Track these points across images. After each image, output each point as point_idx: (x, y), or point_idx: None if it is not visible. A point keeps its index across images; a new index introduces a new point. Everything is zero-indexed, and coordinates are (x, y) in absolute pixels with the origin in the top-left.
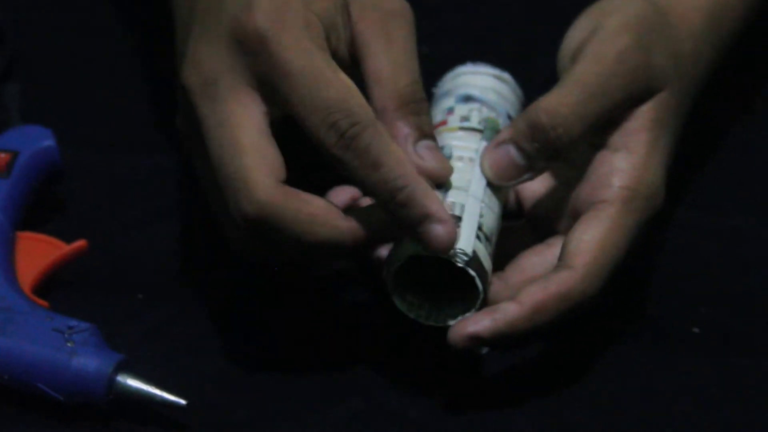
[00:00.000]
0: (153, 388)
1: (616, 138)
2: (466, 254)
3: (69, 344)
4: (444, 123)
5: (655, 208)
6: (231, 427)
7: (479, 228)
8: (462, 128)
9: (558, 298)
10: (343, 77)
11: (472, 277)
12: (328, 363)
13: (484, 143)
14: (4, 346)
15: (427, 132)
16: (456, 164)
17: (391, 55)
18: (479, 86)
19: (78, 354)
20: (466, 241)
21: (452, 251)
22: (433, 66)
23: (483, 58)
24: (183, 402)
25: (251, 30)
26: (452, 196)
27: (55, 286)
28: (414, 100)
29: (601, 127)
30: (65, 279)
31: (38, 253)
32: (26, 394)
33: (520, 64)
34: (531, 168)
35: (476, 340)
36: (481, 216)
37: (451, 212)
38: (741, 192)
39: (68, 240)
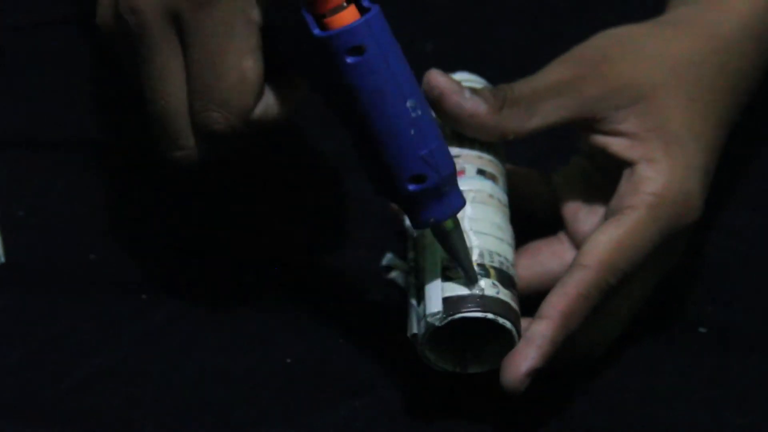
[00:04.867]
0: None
1: (636, 152)
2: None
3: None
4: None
5: (687, 217)
6: (233, 427)
7: (498, 267)
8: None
9: (579, 300)
10: (249, 65)
11: (500, 324)
12: (331, 361)
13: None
14: None
15: None
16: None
17: None
18: None
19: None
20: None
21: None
22: (439, 63)
23: (487, 54)
24: None
25: None
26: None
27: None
28: None
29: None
30: (68, 277)
31: None
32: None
33: (525, 59)
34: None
35: (533, 374)
36: (498, 255)
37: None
38: (747, 190)
39: (67, 237)
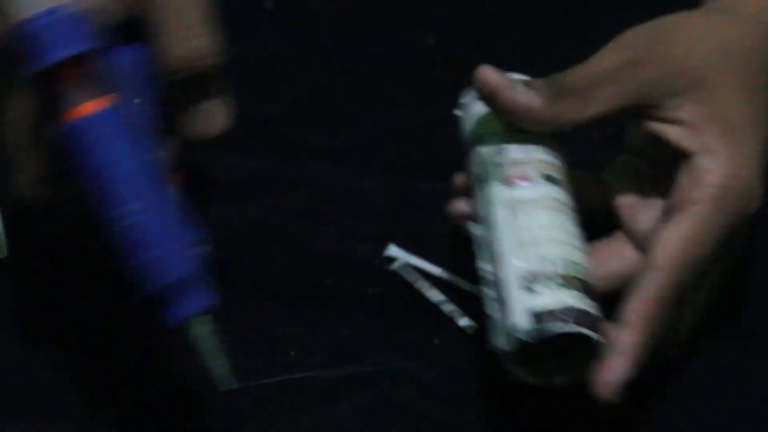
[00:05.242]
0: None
1: (694, 142)
2: (573, 316)
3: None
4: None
5: (751, 207)
6: (235, 420)
7: (581, 277)
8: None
9: (659, 304)
10: None
11: (597, 341)
12: (334, 357)
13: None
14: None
15: None
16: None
17: None
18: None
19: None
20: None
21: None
22: (441, 57)
23: (489, 48)
24: (233, 384)
25: None
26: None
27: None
28: None
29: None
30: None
31: None
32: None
33: (527, 52)
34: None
35: (626, 383)
36: (577, 264)
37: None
38: None
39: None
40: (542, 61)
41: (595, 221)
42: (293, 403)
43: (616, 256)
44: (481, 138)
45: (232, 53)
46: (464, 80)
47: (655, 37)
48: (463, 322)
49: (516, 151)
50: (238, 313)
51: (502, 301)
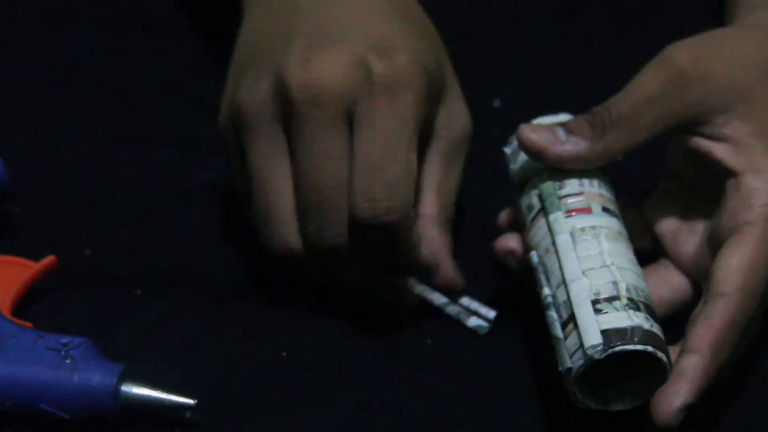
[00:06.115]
0: (159, 392)
1: (741, 161)
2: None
3: (67, 361)
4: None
5: None
6: (232, 422)
7: (645, 302)
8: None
9: (726, 330)
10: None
11: (658, 358)
12: (330, 357)
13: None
14: (0, 373)
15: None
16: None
17: (449, 177)
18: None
19: (79, 369)
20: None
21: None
22: None
23: (482, 67)
24: (191, 402)
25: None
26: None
27: (45, 287)
28: (450, 219)
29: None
30: (61, 278)
31: (8, 275)
32: (29, 416)
33: (520, 72)
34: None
35: (686, 409)
36: (641, 290)
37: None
38: None
39: (63, 232)
40: (537, 62)
41: (640, 251)
42: (288, 403)
43: (661, 283)
44: (536, 172)
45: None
46: (461, 82)
47: (697, 54)
48: (472, 322)
49: (573, 185)
50: (231, 313)
51: (570, 322)
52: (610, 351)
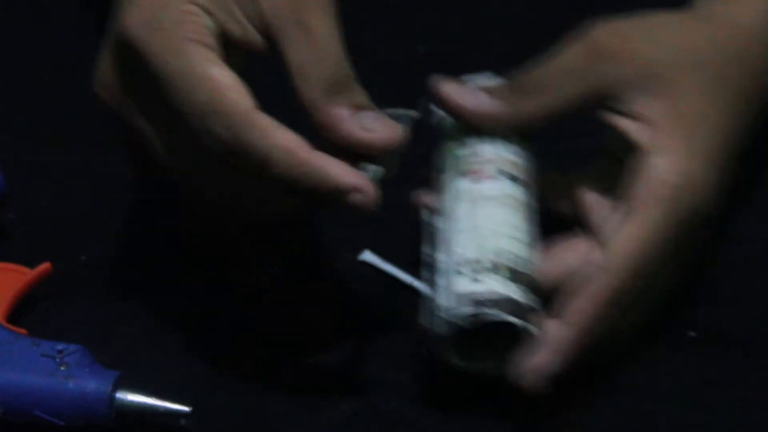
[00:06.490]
0: (154, 399)
1: (650, 139)
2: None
3: (62, 368)
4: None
5: (703, 208)
6: (227, 430)
7: (512, 266)
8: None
9: (603, 306)
10: (215, 72)
11: (518, 325)
12: (324, 365)
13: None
14: None
15: (362, 104)
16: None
17: (312, 46)
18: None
19: (74, 377)
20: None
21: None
22: (431, 66)
23: (478, 57)
24: (187, 409)
25: (126, 38)
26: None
27: (40, 294)
28: (339, 80)
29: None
30: (57, 284)
31: (3, 282)
32: (24, 423)
33: (515, 62)
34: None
35: (553, 377)
36: (512, 254)
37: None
38: (739, 192)
39: (58, 238)
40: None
41: (567, 222)
42: (283, 410)
43: (576, 254)
44: (449, 135)
45: None
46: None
47: (622, 32)
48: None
49: (481, 149)
50: (226, 320)
51: (437, 283)
52: (468, 315)
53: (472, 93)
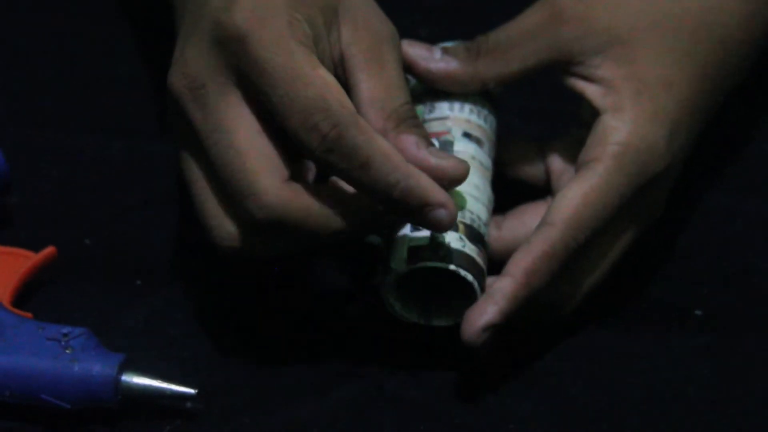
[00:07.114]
0: (160, 381)
1: (607, 101)
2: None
3: (68, 351)
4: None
5: (653, 166)
6: (231, 411)
7: (468, 223)
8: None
9: (543, 258)
10: (323, 74)
11: (462, 277)
12: (327, 347)
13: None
14: (1, 363)
15: (425, 135)
16: None
17: (385, 79)
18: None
19: (79, 360)
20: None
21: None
22: None
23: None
24: (192, 391)
25: (231, 29)
26: None
27: (45, 278)
28: (410, 117)
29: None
30: (61, 268)
31: (8, 266)
32: (30, 406)
33: None
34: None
35: (490, 328)
36: (470, 212)
37: None
38: (744, 172)
39: (63, 222)
40: None
41: (537, 189)
42: (288, 392)
43: (534, 215)
44: (417, 98)
45: None
46: None
47: None
48: None
49: (443, 109)
50: (231, 302)
51: (401, 239)
52: (411, 267)
53: (435, 54)
